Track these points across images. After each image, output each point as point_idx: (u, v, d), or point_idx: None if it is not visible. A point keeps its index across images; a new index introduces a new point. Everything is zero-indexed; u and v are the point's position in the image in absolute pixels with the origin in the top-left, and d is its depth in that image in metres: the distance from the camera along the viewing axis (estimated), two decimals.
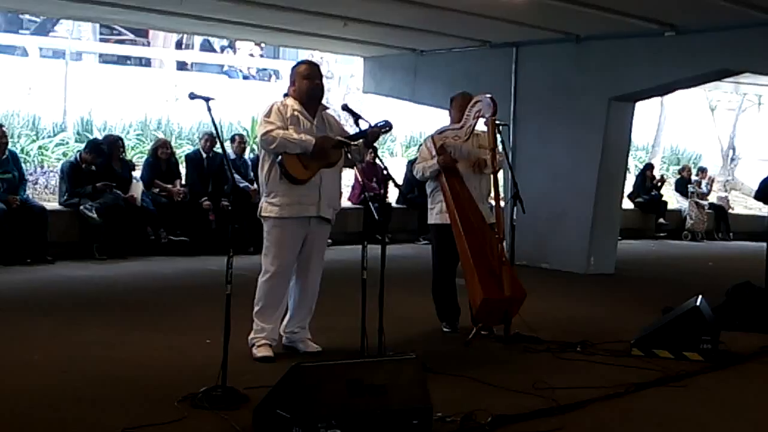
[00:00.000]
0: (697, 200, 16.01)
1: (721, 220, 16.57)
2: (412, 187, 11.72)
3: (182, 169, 10.92)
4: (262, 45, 21.08)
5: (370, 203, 5.01)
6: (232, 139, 11.11)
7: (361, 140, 5.30)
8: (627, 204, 14.19)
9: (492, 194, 6.13)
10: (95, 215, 9.32)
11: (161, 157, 10.46)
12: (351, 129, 5.57)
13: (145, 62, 21.44)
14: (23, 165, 9.86)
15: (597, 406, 4.59)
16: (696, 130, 22.87)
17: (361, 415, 3.72)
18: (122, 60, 20.94)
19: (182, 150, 13.89)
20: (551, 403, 4.47)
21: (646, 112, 17.64)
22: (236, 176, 10.26)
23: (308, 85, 5.36)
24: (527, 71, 10.70)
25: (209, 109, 4.60)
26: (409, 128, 18.25)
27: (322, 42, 11.88)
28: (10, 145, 9.59)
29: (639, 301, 8.26)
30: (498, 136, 6.17)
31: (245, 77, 22.15)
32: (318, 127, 5.37)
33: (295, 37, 11.45)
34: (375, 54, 12.43)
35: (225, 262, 4.40)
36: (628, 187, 14.30)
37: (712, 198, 17.12)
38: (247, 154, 11.50)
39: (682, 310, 5.91)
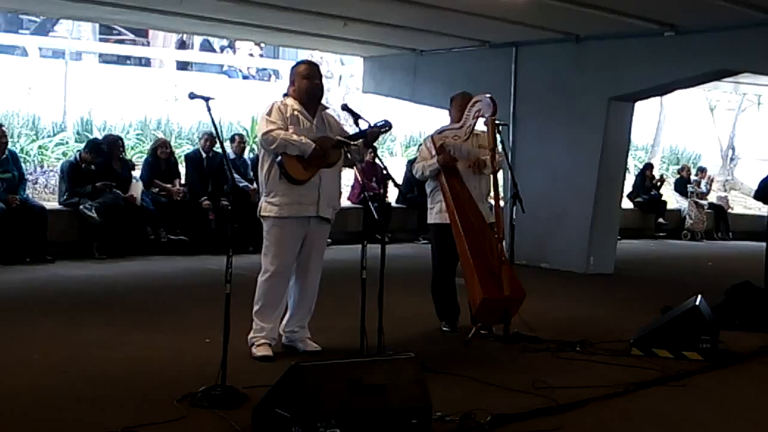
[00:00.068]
0: (697, 200, 16.02)
1: (720, 219, 16.57)
2: (412, 186, 11.72)
3: (182, 169, 10.93)
4: (262, 45, 21.07)
5: (369, 203, 5.00)
6: (232, 139, 11.11)
7: (360, 140, 5.31)
8: (626, 204, 14.20)
9: (492, 194, 6.13)
10: (95, 215, 9.33)
11: (161, 156, 10.46)
12: (351, 129, 5.57)
13: (144, 62, 21.43)
14: (23, 165, 9.86)
15: (596, 405, 4.60)
16: (695, 129, 22.86)
17: (361, 415, 3.72)
18: (122, 60, 20.91)
19: (182, 150, 13.89)
20: (550, 402, 4.47)
21: (645, 112, 17.63)
22: (236, 176, 10.27)
23: (308, 84, 5.36)
24: (527, 71, 10.70)
25: (209, 109, 4.61)
26: (409, 128, 18.24)
27: (322, 42, 11.88)
28: (9, 145, 9.60)
29: (638, 300, 8.27)
30: (498, 135, 6.17)
31: (245, 77, 22.13)
32: (318, 127, 5.37)
33: (295, 37, 11.45)
34: (375, 54, 12.43)
35: (224, 262, 4.40)
36: (628, 187, 14.30)
37: (712, 198, 17.12)
38: (247, 154, 11.50)
39: (681, 309, 5.91)
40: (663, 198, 15.90)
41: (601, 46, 10.08)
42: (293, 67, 5.54)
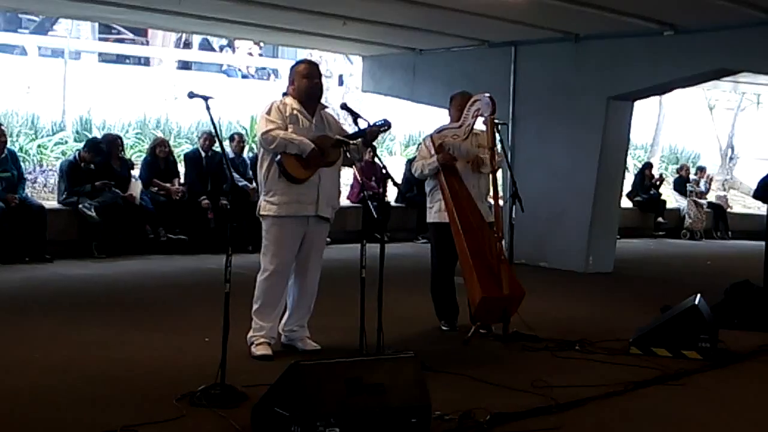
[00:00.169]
0: (696, 199, 16.02)
1: (719, 219, 16.57)
2: (411, 185, 11.73)
3: (181, 168, 10.93)
4: (261, 44, 21.05)
5: (369, 202, 5.01)
6: (231, 138, 11.11)
7: (359, 139, 5.31)
8: (626, 203, 14.20)
9: (491, 193, 6.13)
10: (94, 214, 9.33)
11: (159, 155, 10.46)
12: (350, 128, 5.57)
13: (144, 61, 21.43)
14: (22, 164, 9.86)
15: (595, 404, 4.60)
16: (695, 129, 22.86)
17: (360, 414, 3.72)
18: (121, 59, 20.90)
19: (181, 149, 13.89)
20: (550, 401, 4.47)
21: (644, 112, 17.63)
22: (235, 175, 10.27)
23: (307, 84, 5.36)
24: (526, 70, 10.70)
25: (208, 108, 4.61)
26: (408, 127, 18.23)
27: (322, 41, 11.87)
28: (9, 144, 9.59)
29: (638, 299, 8.27)
30: (497, 135, 6.18)
31: (244, 76, 22.12)
32: (317, 126, 5.37)
33: (295, 36, 11.44)
34: (374, 53, 12.43)
35: (224, 261, 4.40)
36: (627, 186, 14.30)
37: (711, 197, 17.13)
38: (246, 153, 11.50)
39: (680, 308, 5.92)
40: (662, 197, 15.91)
41: (601, 45, 10.08)
42: (293, 67, 5.55)
